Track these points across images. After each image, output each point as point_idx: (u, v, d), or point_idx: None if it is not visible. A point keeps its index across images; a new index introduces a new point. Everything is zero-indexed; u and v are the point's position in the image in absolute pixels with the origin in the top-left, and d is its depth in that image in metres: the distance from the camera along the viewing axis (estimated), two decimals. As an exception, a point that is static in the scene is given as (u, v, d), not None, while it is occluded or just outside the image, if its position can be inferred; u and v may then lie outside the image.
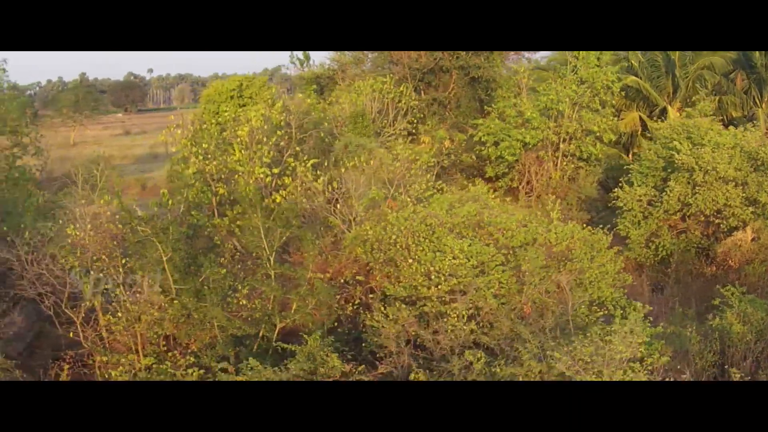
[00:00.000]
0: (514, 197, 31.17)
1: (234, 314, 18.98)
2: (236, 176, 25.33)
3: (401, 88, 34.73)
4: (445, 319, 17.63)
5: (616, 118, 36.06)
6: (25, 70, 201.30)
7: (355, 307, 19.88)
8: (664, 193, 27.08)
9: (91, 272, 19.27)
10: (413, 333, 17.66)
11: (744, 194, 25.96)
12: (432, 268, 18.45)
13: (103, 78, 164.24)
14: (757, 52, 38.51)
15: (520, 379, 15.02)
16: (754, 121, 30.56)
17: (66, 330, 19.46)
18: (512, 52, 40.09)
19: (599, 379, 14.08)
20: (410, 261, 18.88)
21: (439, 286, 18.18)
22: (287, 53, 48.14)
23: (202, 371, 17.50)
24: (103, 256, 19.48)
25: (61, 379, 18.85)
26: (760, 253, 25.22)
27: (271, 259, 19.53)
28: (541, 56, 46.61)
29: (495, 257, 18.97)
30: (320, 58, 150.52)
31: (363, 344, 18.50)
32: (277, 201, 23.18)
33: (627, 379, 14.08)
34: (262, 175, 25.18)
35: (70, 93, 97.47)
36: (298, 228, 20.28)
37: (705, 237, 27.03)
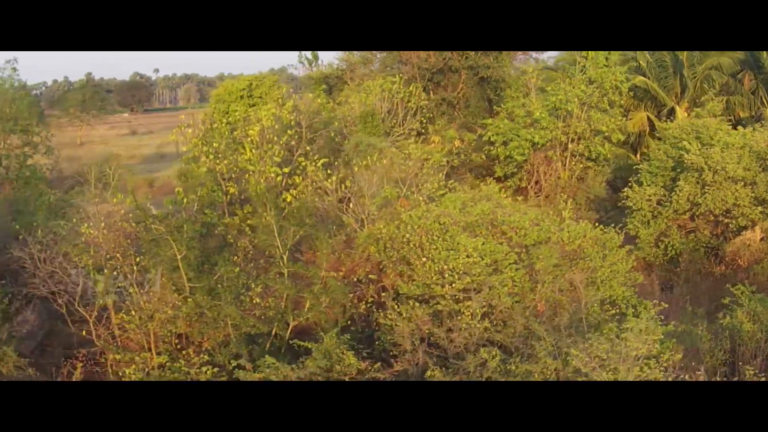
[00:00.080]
0: (523, 197, 31.19)
1: (247, 312, 18.99)
2: (247, 175, 25.38)
3: (410, 88, 34.62)
4: (459, 318, 17.65)
5: (624, 118, 36.08)
6: (31, 70, 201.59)
7: (368, 305, 19.86)
8: (673, 193, 27.13)
9: (105, 270, 19.36)
10: (427, 331, 17.70)
11: (753, 194, 26.02)
12: (445, 267, 18.48)
13: (109, 78, 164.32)
14: (764, 53, 38.56)
15: (536, 376, 15.08)
16: (762, 122, 30.57)
17: (78, 328, 19.50)
18: (520, 53, 40.09)
19: (615, 376, 14.14)
20: (424, 259, 18.91)
21: (453, 285, 18.21)
22: (293, 53, 48.33)
23: (215, 369, 17.56)
24: (117, 255, 19.50)
25: (74, 377, 18.91)
26: (769, 253, 25.32)
27: (285, 257, 19.54)
28: (549, 56, 46.64)
29: (508, 256, 19.05)
30: (329, 58, 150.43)
31: (376, 342, 18.55)
32: (288, 200, 23.23)
33: (642, 375, 14.13)
34: (273, 175, 25.23)
35: (77, 93, 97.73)
36: (311, 227, 20.31)
37: (714, 236, 27.07)
